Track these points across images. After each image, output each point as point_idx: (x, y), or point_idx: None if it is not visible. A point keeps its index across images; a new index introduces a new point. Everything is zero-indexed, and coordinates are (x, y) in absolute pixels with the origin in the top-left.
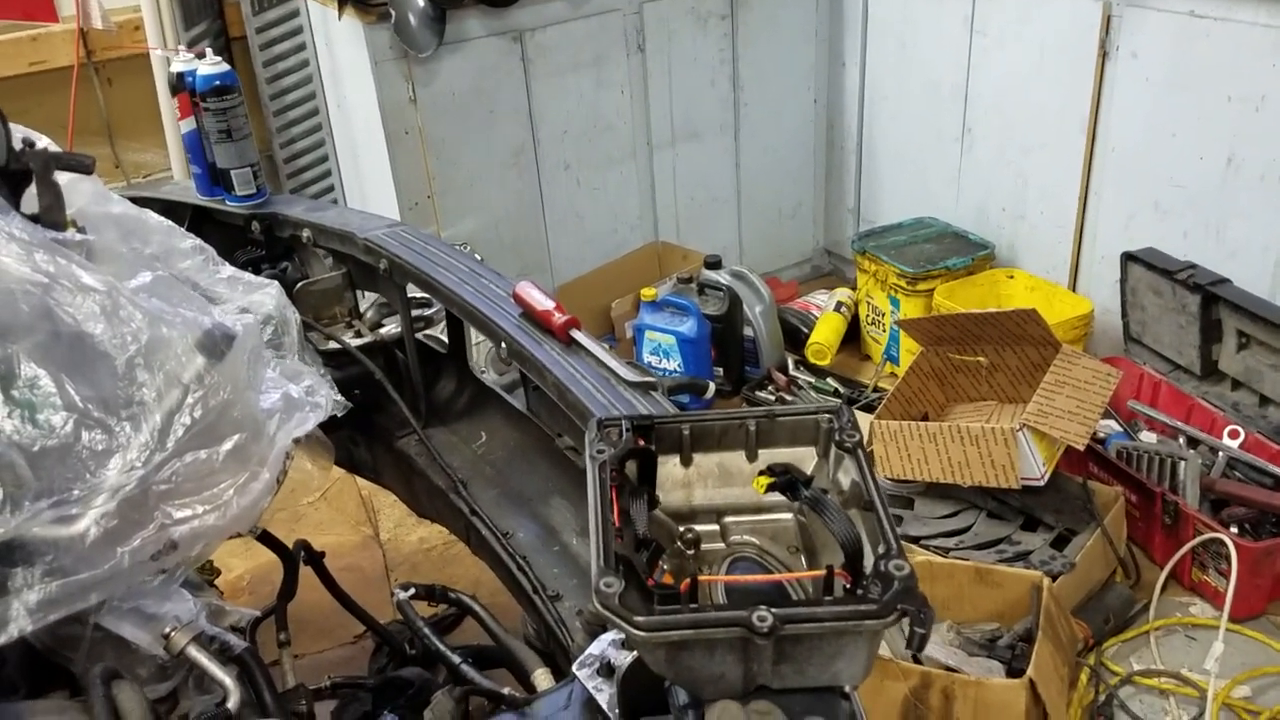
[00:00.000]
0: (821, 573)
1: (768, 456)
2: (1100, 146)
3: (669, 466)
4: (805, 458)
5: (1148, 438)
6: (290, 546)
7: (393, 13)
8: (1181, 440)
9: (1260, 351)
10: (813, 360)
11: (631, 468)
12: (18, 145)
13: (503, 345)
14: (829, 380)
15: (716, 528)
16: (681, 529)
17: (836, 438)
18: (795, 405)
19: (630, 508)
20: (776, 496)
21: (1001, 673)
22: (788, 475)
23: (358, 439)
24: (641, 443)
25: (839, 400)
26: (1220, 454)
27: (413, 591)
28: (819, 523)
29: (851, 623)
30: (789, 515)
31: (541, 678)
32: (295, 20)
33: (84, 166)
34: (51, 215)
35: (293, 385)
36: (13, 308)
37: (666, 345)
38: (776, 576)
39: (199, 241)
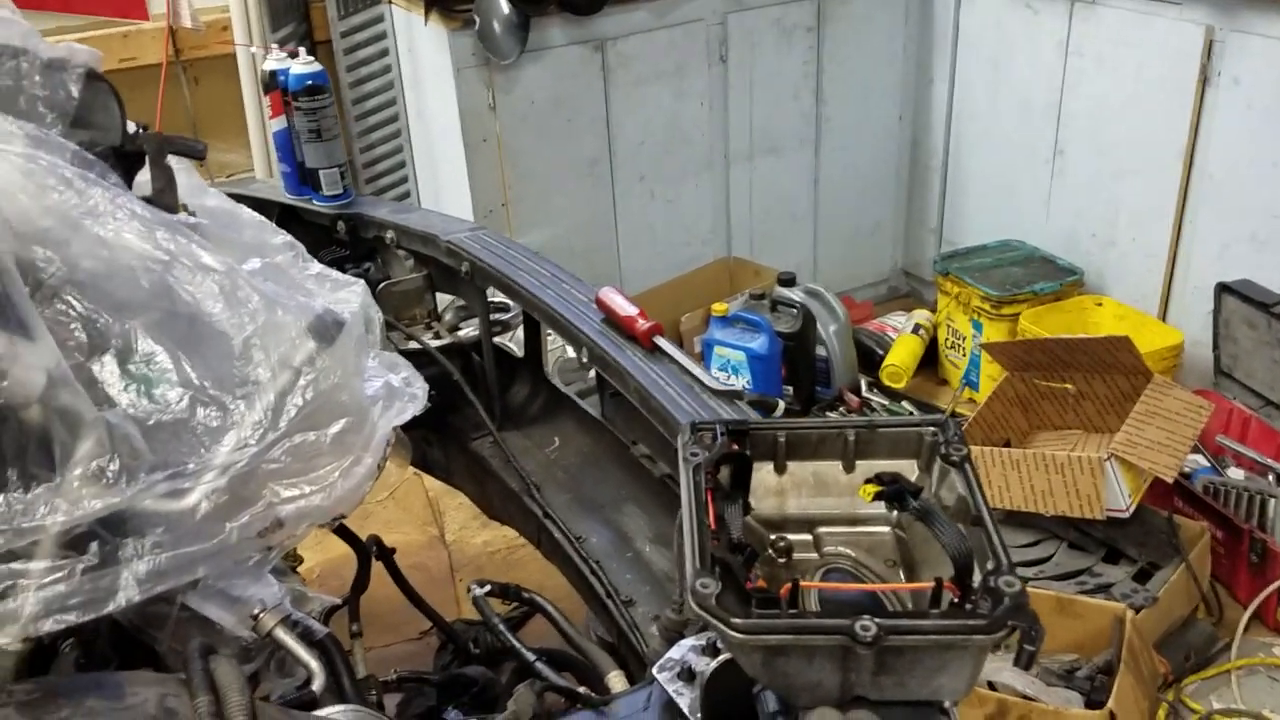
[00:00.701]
0: (928, 585)
1: (865, 468)
2: (1197, 174)
3: (762, 474)
4: (905, 471)
5: (1235, 474)
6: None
7: (477, 19)
8: (1271, 478)
9: None
10: (888, 382)
11: (724, 474)
12: (130, 129)
13: (584, 350)
14: (904, 403)
15: (809, 537)
16: (773, 537)
17: (942, 451)
18: (898, 417)
19: (725, 512)
20: (873, 509)
21: (1080, 704)
22: (897, 485)
23: (431, 439)
24: (736, 448)
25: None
26: None
27: (488, 589)
28: (918, 537)
29: (959, 637)
30: (886, 528)
31: (615, 680)
32: (380, 25)
33: (196, 152)
34: (164, 198)
35: (393, 375)
36: (133, 283)
37: (736, 361)
38: (880, 586)
39: (290, 238)
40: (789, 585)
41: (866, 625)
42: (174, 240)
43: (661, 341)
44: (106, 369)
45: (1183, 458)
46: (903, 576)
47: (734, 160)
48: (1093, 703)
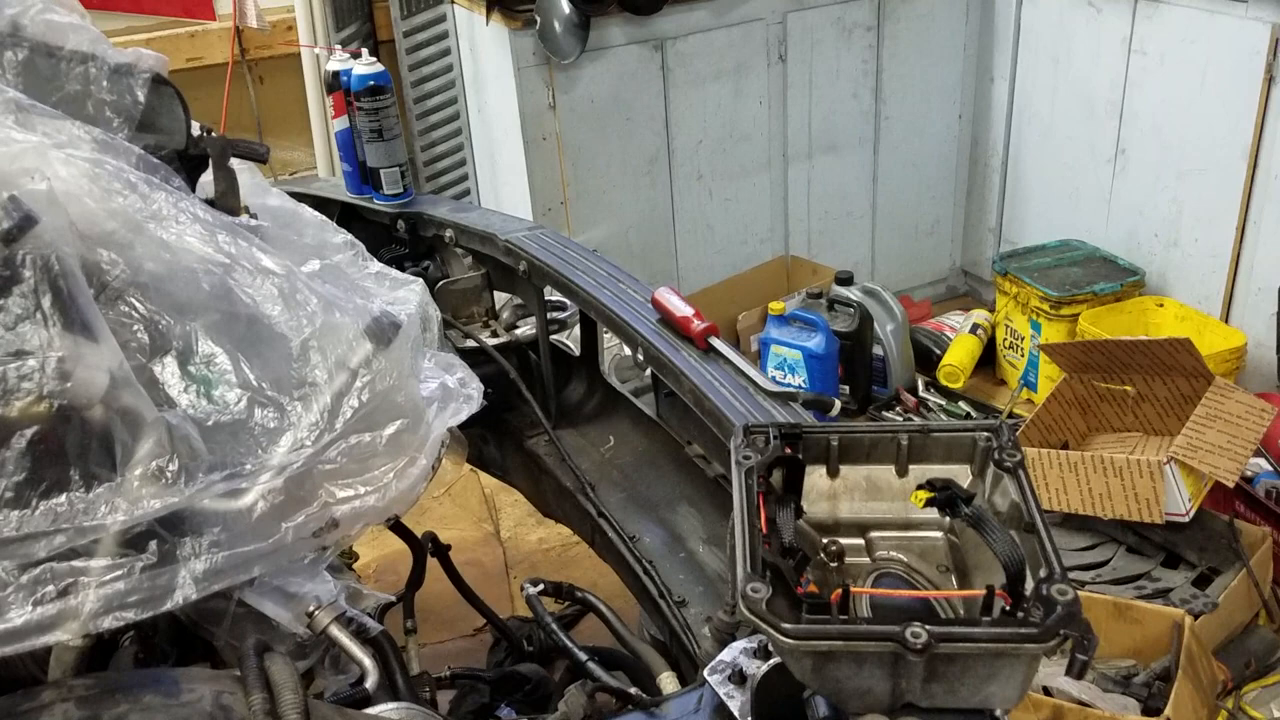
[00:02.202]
0: (979, 592)
1: (919, 472)
2: (1262, 174)
3: (814, 477)
4: (959, 476)
5: None
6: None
7: (538, 19)
8: None
9: None
10: (945, 382)
11: (777, 477)
12: (195, 132)
13: (639, 350)
14: (961, 404)
15: (861, 542)
16: (825, 541)
17: (996, 457)
18: (951, 421)
19: (777, 516)
20: (925, 513)
21: (1137, 710)
22: (948, 491)
23: (488, 437)
24: (789, 451)
25: (1006, 419)
26: None
27: (541, 587)
28: (971, 543)
29: (1010, 645)
30: (939, 533)
31: (667, 681)
32: (442, 25)
33: (259, 155)
34: (226, 201)
35: (448, 376)
36: (194, 286)
37: (793, 360)
38: (932, 593)
39: (349, 237)
40: (840, 591)
41: (917, 632)
42: (235, 243)
43: (716, 342)
44: (167, 370)
45: (1244, 462)
46: (955, 582)
47: (792, 159)
48: (1150, 709)
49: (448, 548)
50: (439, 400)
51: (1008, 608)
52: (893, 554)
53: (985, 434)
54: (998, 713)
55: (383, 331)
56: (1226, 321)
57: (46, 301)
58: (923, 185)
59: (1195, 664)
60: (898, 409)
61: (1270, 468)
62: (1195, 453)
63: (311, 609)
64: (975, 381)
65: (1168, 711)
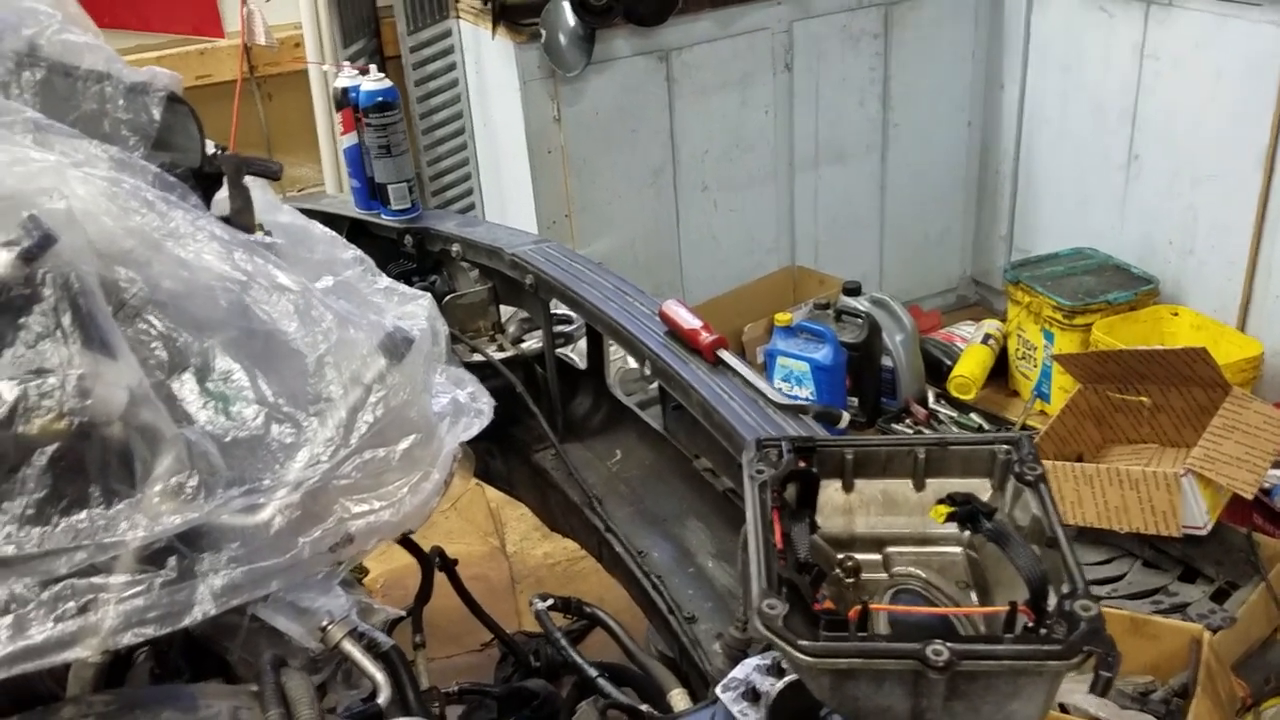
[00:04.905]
0: (1001, 609)
1: (936, 487)
2: (1278, 180)
3: (829, 492)
4: (978, 490)
5: None
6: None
7: (543, 33)
8: None
9: None
10: (956, 394)
11: (790, 491)
12: (209, 150)
13: (647, 363)
14: (972, 415)
15: (878, 557)
16: (841, 556)
17: (1016, 470)
18: (969, 434)
19: (791, 531)
20: (944, 528)
21: None
22: (969, 505)
23: (494, 451)
24: (803, 465)
25: (1019, 431)
26: None
27: (550, 602)
28: (991, 558)
29: (1033, 662)
30: (958, 549)
31: (678, 698)
32: (448, 40)
33: (272, 173)
34: (241, 218)
35: (459, 391)
36: (212, 303)
37: (799, 372)
38: (952, 610)
39: (359, 252)
40: (858, 608)
41: (939, 650)
42: (251, 261)
43: (725, 355)
44: (186, 387)
45: (1263, 473)
46: (975, 598)
47: (799, 168)
48: None
49: (455, 562)
50: (450, 415)
51: (1031, 624)
52: (911, 570)
53: (1005, 447)
54: None
55: (396, 347)
56: (1243, 330)
57: (66, 319)
58: (931, 194)
59: (1214, 680)
60: (907, 421)
61: None
62: (1212, 464)
63: (324, 624)
64: (987, 393)
65: None
